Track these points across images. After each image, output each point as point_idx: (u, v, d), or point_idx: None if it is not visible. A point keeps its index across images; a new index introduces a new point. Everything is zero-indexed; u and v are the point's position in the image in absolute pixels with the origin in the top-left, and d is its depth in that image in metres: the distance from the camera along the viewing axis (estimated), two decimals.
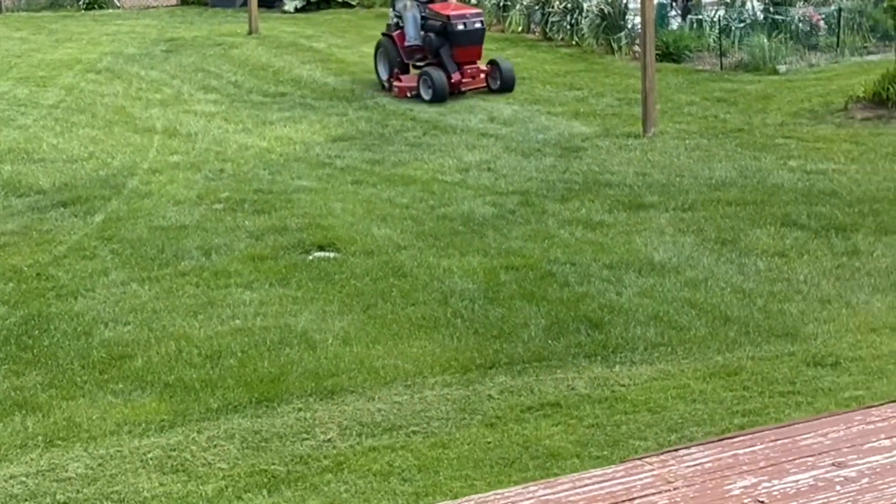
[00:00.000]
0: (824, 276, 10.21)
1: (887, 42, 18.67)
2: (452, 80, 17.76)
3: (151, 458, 7.55)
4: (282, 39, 23.47)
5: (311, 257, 11.32)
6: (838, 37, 19.88)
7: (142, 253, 11.59)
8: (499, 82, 18.10)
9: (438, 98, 17.47)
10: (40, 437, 7.97)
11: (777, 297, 9.80)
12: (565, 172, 13.73)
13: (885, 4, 18.50)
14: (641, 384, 8.27)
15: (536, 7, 22.31)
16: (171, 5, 28.94)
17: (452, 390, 8.34)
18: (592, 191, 12.93)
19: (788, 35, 19.50)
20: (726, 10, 20.48)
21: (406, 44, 18.37)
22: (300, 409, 8.18)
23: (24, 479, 7.43)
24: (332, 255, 11.35)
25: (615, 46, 20.41)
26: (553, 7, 21.81)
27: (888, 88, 15.52)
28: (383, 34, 19.06)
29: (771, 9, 20.28)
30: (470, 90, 18.06)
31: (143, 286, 10.72)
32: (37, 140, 16.17)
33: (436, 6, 18.45)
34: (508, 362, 8.75)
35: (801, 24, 19.58)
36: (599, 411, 7.87)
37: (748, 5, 20.57)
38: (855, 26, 20.13)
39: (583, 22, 21.19)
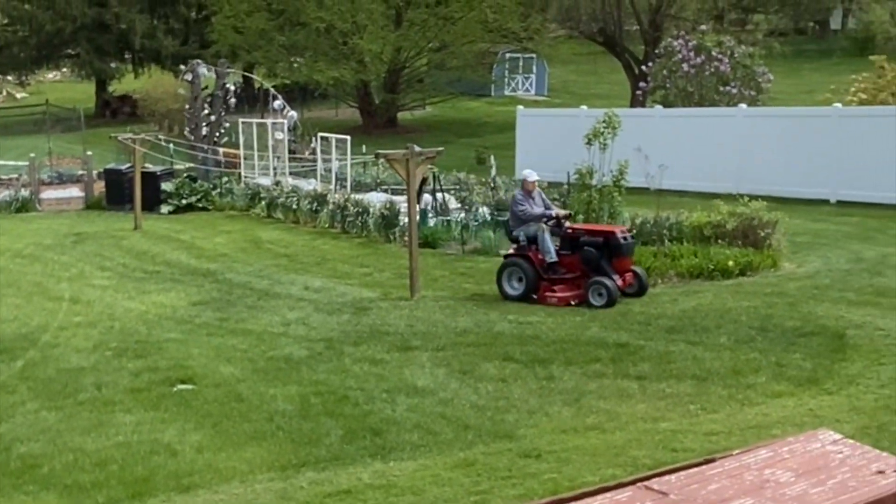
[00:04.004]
0: (531, 395, 10.32)
1: None
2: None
3: None
4: (158, 233, 23.01)
5: (175, 389, 10.95)
6: None
7: (51, 388, 11.07)
8: (636, 287, 14.70)
9: (609, 304, 14.05)
10: None
11: (500, 409, 9.86)
12: (357, 325, 13.68)
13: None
14: (409, 474, 8.19)
15: (338, 210, 22.46)
16: (79, 209, 28.12)
17: (275, 483, 8.12)
18: (376, 337, 12.91)
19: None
20: (465, 213, 21.00)
21: (548, 261, 14.84)
22: (164, 501, 7.84)
23: None
24: (191, 387, 11.01)
25: (391, 237, 20.65)
26: (349, 210, 22.01)
27: None
28: (511, 255, 15.29)
29: (495, 213, 20.87)
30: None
31: (51, 413, 10.21)
32: None
33: (585, 226, 15.38)
34: (315, 462, 8.57)
35: None
36: (379, 495, 7.75)
37: (480, 210, 21.08)
38: None
39: (369, 220, 21.43)
